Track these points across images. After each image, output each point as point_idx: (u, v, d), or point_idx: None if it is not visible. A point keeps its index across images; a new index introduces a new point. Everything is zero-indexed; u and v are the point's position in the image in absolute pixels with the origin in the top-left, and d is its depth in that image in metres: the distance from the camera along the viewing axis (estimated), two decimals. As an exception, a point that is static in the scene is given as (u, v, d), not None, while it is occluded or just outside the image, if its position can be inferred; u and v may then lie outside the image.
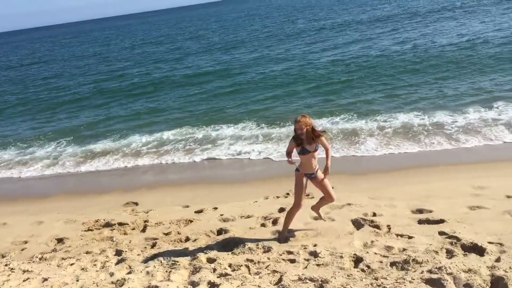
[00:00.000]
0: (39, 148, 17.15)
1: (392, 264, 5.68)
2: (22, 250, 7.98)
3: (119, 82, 29.48)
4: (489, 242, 5.94)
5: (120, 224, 8.71)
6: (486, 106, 14.43)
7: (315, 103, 18.17)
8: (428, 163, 11.00)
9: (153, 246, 7.36)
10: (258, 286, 5.37)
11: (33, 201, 11.74)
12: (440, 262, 5.47)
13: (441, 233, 6.53)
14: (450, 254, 5.80)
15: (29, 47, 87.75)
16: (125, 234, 8.20)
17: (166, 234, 7.93)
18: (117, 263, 6.62)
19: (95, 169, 14.24)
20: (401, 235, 6.64)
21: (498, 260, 5.45)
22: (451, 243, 6.09)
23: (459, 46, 24.44)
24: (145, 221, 8.76)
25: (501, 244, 5.85)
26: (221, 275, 5.80)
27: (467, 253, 5.74)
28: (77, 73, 36.63)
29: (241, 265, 6.05)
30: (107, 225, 8.75)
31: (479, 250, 5.77)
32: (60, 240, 8.24)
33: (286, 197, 9.53)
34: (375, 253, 6.07)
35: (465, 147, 11.77)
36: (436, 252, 5.85)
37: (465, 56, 22.08)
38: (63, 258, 7.16)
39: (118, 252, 7.12)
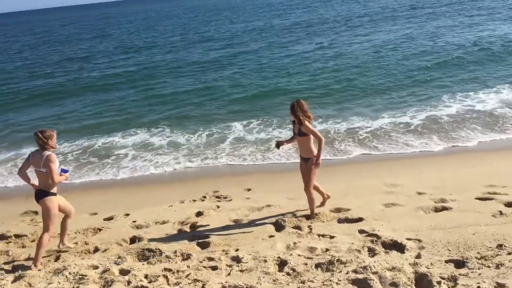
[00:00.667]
0: None
1: (317, 265, 5.54)
2: None
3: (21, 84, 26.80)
4: (408, 239, 6.05)
5: (17, 236, 7.75)
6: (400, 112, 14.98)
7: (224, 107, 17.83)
8: (342, 164, 11.21)
9: (57, 259, 6.60)
10: (178, 298, 4.95)
11: None
12: (364, 261, 5.43)
13: (361, 231, 6.56)
14: (372, 252, 5.81)
15: None
16: (23, 247, 7.29)
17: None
18: (14, 281, 5.80)
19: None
20: (323, 235, 6.57)
21: (418, 256, 5.54)
22: (372, 241, 6.12)
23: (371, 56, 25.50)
24: (47, 231, 7.88)
25: (419, 240, 5.98)
26: (136, 288, 5.29)
27: (388, 251, 5.79)
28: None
29: (159, 276, 5.57)
30: (1, 237, 7.75)
31: (399, 247, 5.84)
32: None
33: (202, 200, 9.15)
34: (299, 255, 5.91)
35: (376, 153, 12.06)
36: (359, 251, 5.83)
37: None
38: None
39: (15, 268, 6.27)
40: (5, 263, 6.57)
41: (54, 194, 6.45)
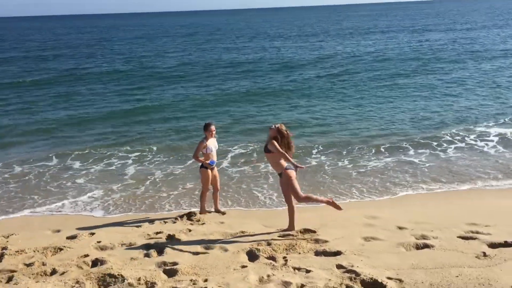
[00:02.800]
0: None
1: (291, 303, 5.14)
2: None
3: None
4: (388, 278, 5.70)
5: None
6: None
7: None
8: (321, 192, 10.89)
9: (9, 280, 6.02)
10: (137, 334, 4.47)
11: None
12: (342, 302, 5.05)
13: (339, 267, 6.19)
14: (350, 291, 5.43)
15: None
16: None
17: (28, 265, 6.60)
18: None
19: None
20: (299, 269, 6.17)
21: (399, 298, 5.19)
22: (350, 278, 5.75)
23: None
24: (3, 248, 7.30)
25: (400, 280, 5.63)
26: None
27: (368, 290, 5.42)
28: None
29: (118, 307, 5.09)
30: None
31: (379, 287, 5.47)
32: None
33: (174, 222, 8.68)
34: (273, 290, 5.50)
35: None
36: (337, 289, 5.45)
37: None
38: None
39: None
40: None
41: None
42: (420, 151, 13.49)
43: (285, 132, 7.67)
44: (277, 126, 7.70)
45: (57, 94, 24.41)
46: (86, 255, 6.91)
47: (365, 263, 6.27)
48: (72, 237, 7.89)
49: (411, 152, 13.47)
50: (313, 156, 13.38)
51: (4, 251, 7.18)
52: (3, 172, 12.53)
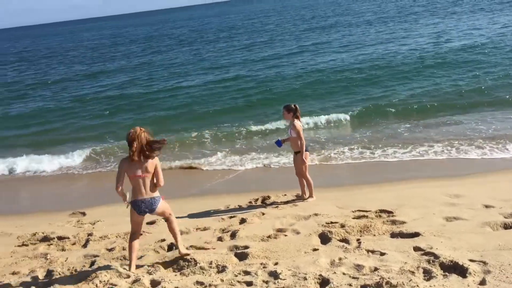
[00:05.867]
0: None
1: (363, 287, 4.92)
2: None
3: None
4: (471, 260, 5.26)
5: (60, 238, 7.69)
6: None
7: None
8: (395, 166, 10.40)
9: (91, 264, 6.39)
10: (205, 317, 4.52)
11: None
12: (417, 286, 4.75)
13: (416, 249, 5.83)
14: (428, 275, 5.08)
15: None
16: (63, 250, 7.19)
17: (109, 250, 6.99)
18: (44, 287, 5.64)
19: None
20: (372, 251, 5.90)
21: (483, 282, 4.77)
22: (429, 261, 5.39)
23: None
24: (89, 235, 7.77)
25: (484, 263, 5.16)
26: (163, 303, 4.92)
27: (447, 274, 5.04)
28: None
29: (189, 290, 5.18)
30: (45, 239, 7.73)
31: (460, 270, 5.07)
32: (-15, 258, 7.16)
33: (249, 205, 8.70)
34: (344, 274, 5.30)
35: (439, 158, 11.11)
36: (412, 273, 5.13)
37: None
38: (-18, 281, 6.12)
39: (49, 273, 6.11)
40: (41, 267, 6.45)
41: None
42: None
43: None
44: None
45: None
46: (163, 240, 7.15)
47: (446, 244, 5.85)
48: (151, 223, 8.20)
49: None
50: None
51: (89, 237, 7.64)
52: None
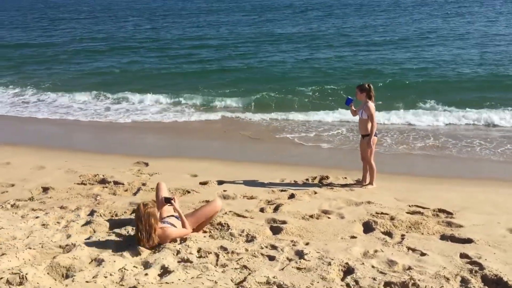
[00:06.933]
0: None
1: (387, 284, 4.56)
2: (2, 193, 7.56)
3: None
4: (520, 278, 4.66)
5: (116, 183, 8.09)
6: None
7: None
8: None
9: (133, 212, 6.63)
10: (215, 282, 4.47)
11: (44, 145, 11.33)
12: (446, 295, 4.31)
13: (462, 256, 5.29)
14: (464, 285, 4.59)
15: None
16: (114, 194, 7.55)
17: (156, 201, 7.19)
18: (83, 225, 5.94)
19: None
20: (413, 250, 5.46)
21: (523, 305, 4.21)
22: (471, 271, 4.86)
23: None
24: (143, 184, 8.07)
25: (534, 285, 4.55)
26: (181, 260, 4.94)
27: (486, 288, 4.52)
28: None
29: (211, 253, 5.16)
30: (102, 181, 8.17)
31: (503, 287, 4.52)
32: (45, 189, 7.72)
33: (304, 182, 8.47)
34: (373, 267, 4.96)
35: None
36: (447, 280, 4.65)
37: None
38: (33, 209, 6.59)
39: (92, 213, 6.45)
40: (87, 206, 6.83)
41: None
42: None
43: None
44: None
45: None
46: (207, 201, 7.21)
47: (498, 257, 5.24)
48: (204, 183, 8.31)
49: None
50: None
51: (142, 186, 7.93)
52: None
